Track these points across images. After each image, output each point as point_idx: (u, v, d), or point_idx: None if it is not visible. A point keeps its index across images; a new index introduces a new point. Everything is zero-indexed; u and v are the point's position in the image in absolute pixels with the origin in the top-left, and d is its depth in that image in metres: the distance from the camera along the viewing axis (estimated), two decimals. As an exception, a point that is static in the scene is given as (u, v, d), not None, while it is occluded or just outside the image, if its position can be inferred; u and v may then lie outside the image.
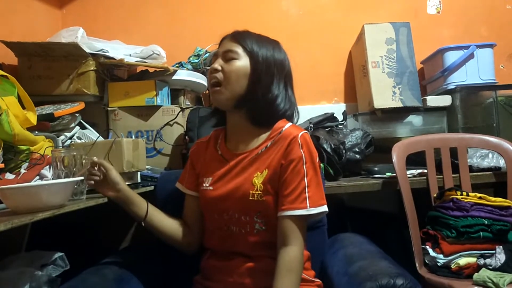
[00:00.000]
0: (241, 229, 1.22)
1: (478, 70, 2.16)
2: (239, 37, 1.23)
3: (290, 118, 1.29)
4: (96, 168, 1.22)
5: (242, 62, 1.21)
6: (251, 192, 1.18)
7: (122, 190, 1.24)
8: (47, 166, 1.30)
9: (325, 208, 1.18)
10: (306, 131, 1.23)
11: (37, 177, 1.28)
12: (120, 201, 1.25)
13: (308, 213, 1.14)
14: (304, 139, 1.20)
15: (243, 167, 1.23)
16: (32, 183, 1.17)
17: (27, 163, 1.33)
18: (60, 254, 1.22)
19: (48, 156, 1.33)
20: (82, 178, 1.18)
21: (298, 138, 1.19)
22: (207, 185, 1.27)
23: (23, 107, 1.42)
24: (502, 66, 2.46)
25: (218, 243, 1.27)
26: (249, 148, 1.25)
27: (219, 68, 1.21)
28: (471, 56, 2.15)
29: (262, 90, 1.22)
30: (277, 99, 1.24)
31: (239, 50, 1.22)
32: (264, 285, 1.16)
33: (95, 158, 1.23)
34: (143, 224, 1.28)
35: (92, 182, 1.22)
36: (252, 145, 1.25)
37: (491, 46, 2.20)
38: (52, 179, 1.23)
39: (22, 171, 1.29)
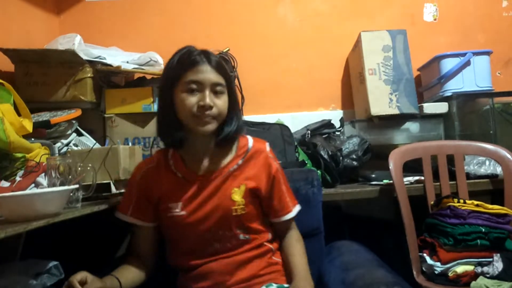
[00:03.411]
0: (225, 243, 1.24)
1: (474, 77, 2.17)
2: (218, 66, 1.20)
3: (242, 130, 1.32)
4: None
5: (226, 94, 1.22)
6: (232, 208, 1.22)
7: None
8: (43, 174, 1.29)
9: (299, 206, 1.36)
10: (267, 142, 1.35)
11: (33, 185, 1.27)
12: None
13: (294, 214, 1.33)
14: (271, 151, 1.33)
15: (216, 186, 1.24)
16: (26, 192, 1.16)
17: (22, 171, 1.32)
18: (55, 262, 1.20)
19: (44, 164, 1.32)
20: (77, 186, 1.18)
21: (268, 153, 1.31)
22: (178, 210, 1.22)
23: (19, 114, 1.42)
24: (498, 73, 2.47)
25: (196, 259, 1.25)
26: (217, 168, 1.26)
27: (213, 104, 1.18)
28: (467, 63, 2.16)
29: (236, 115, 1.26)
30: (241, 116, 1.30)
31: (223, 82, 1.21)
32: (244, 275, 1.23)
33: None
34: None
35: None
36: (220, 164, 1.26)
37: (487, 53, 2.21)
38: (48, 187, 1.22)
39: (18, 178, 1.28)
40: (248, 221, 1.25)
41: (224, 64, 1.22)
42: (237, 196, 1.23)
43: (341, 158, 1.91)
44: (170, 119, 1.22)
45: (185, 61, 1.20)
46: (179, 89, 1.19)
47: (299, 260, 1.26)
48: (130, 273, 1.24)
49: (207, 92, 1.17)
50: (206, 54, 1.21)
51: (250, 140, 1.32)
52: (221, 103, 1.19)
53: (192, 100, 1.17)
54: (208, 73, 1.18)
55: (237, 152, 1.29)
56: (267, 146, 1.32)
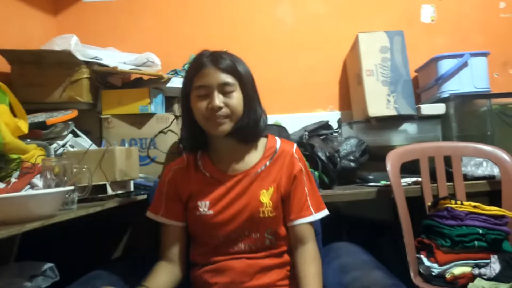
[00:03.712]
0: (251, 245, 1.24)
1: (472, 79, 2.17)
2: (226, 66, 1.20)
3: (266, 129, 1.32)
4: None
5: (238, 92, 1.21)
6: (260, 209, 1.22)
7: None
8: (38, 175, 1.29)
9: (326, 212, 1.31)
10: (295, 144, 1.34)
11: (28, 186, 1.26)
12: None
13: (314, 218, 1.27)
14: (298, 152, 1.32)
15: (245, 186, 1.24)
16: (21, 193, 1.15)
17: (18, 172, 1.31)
18: (50, 264, 1.20)
19: (39, 165, 1.31)
20: (72, 187, 1.17)
21: (294, 153, 1.30)
22: (205, 209, 1.23)
23: (15, 115, 1.41)
24: (496, 75, 2.48)
25: (219, 256, 1.25)
26: (245, 168, 1.26)
27: (223, 105, 1.18)
28: (465, 64, 2.16)
29: (252, 111, 1.24)
30: (262, 114, 1.28)
31: (233, 80, 1.20)
32: (263, 282, 1.21)
33: None
34: None
35: None
36: (247, 165, 1.27)
37: (485, 54, 2.21)
38: (43, 188, 1.21)
39: (13, 180, 1.27)
40: (276, 224, 1.25)
41: (234, 63, 1.21)
42: (265, 198, 1.23)
43: (338, 159, 1.90)
44: (190, 125, 1.26)
45: (194, 67, 1.23)
46: (193, 95, 1.22)
47: (311, 283, 1.19)
48: (162, 280, 1.22)
49: (215, 94, 1.18)
50: (213, 55, 1.21)
51: (278, 142, 1.32)
52: (232, 101, 1.19)
53: (203, 104, 1.19)
54: (213, 75, 1.19)
55: (264, 154, 1.29)
56: (294, 147, 1.32)
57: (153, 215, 1.30)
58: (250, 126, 1.23)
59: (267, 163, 1.27)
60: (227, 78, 1.19)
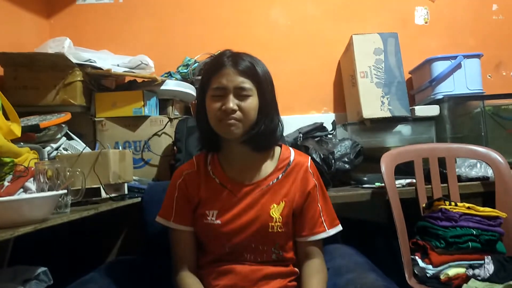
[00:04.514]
0: (256, 257, 1.22)
1: (465, 80, 2.18)
2: (245, 69, 1.17)
3: (281, 137, 1.30)
4: None
5: (255, 97, 1.18)
6: (270, 224, 1.19)
7: None
8: (32, 179, 1.28)
9: (340, 227, 1.28)
10: (309, 156, 1.31)
11: (21, 190, 1.25)
12: None
13: (328, 235, 1.24)
14: (313, 167, 1.29)
15: (255, 198, 1.21)
16: (13, 197, 1.14)
17: (11, 176, 1.30)
18: (43, 269, 1.19)
19: (32, 168, 1.30)
20: (65, 191, 1.16)
21: (309, 167, 1.27)
22: (213, 218, 1.21)
23: (8, 119, 1.40)
24: (489, 76, 2.49)
25: (223, 262, 1.23)
26: (256, 179, 1.24)
27: (236, 108, 1.15)
28: (458, 66, 2.17)
29: (269, 118, 1.21)
30: (279, 123, 1.25)
31: (250, 85, 1.17)
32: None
33: None
34: None
35: None
36: (259, 175, 1.24)
37: (478, 56, 2.22)
38: (36, 192, 1.20)
39: (6, 183, 1.26)
40: (285, 240, 1.23)
41: (255, 67, 1.19)
42: (276, 213, 1.20)
43: (333, 161, 1.90)
44: (203, 125, 1.23)
45: (212, 66, 1.21)
46: (208, 94, 1.19)
47: None
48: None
49: (231, 97, 1.15)
50: (234, 57, 1.19)
51: (292, 153, 1.29)
52: (245, 105, 1.16)
53: (217, 105, 1.17)
54: (231, 77, 1.16)
55: (277, 165, 1.26)
56: (308, 161, 1.29)
57: (164, 220, 1.27)
58: (266, 134, 1.20)
59: (280, 176, 1.24)
60: (245, 83, 1.16)
